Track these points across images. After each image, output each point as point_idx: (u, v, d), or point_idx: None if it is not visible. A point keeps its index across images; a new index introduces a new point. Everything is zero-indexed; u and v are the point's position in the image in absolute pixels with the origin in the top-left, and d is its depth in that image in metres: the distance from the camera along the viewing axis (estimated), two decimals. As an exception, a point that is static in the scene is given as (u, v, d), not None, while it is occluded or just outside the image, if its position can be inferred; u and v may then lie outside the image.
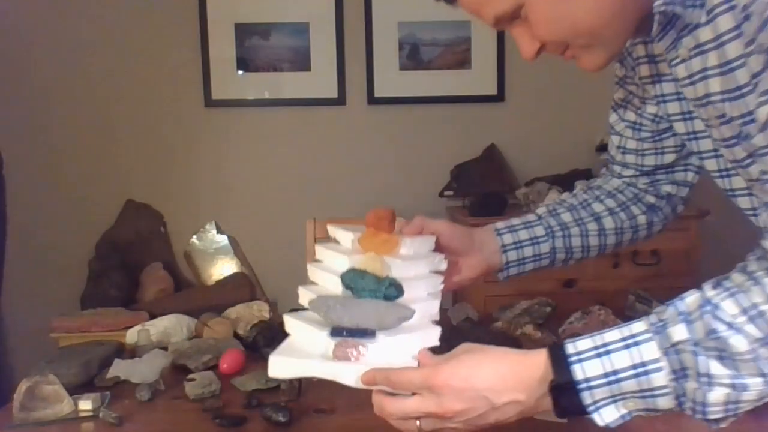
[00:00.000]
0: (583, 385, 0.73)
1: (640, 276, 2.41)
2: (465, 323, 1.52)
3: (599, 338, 0.75)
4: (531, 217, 1.19)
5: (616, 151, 1.19)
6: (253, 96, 2.78)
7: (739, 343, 0.70)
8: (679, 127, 1.01)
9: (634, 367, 0.73)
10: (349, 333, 0.82)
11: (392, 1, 2.76)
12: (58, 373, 1.25)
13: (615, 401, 0.75)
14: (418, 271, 0.96)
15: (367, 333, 0.82)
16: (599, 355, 0.73)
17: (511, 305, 1.66)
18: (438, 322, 0.92)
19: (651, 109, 1.09)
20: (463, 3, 0.87)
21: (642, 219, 1.20)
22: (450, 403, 0.76)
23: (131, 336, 1.54)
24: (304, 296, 0.91)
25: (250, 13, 2.74)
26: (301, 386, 1.21)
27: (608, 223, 1.19)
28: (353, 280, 0.88)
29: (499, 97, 2.81)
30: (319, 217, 2.29)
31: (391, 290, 0.87)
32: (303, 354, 0.82)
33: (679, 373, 0.73)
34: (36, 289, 2.75)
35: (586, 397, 0.74)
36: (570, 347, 0.76)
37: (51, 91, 2.72)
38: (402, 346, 0.83)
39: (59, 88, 2.72)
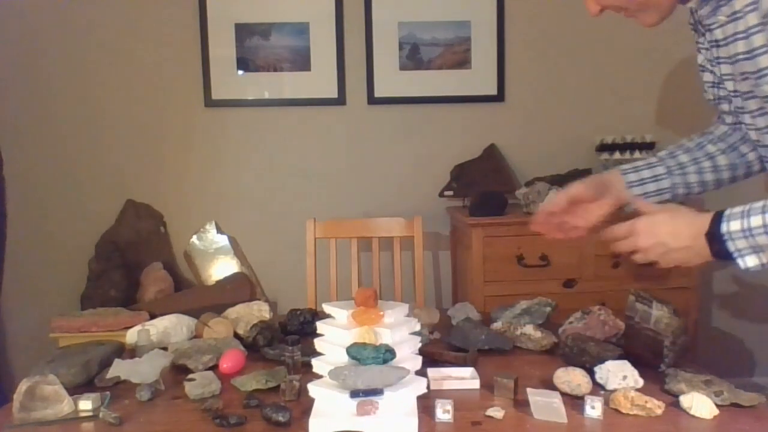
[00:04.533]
0: (726, 237, 1.06)
1: (640, 276, 2.41)
2: (465, 323, 1.51)
3: (749, 206, 1.06)
4: (652, 159, 1.39)
5: (713, 104, 1.38)
6: (253, 96, 2.78)
7: None
8: (729, 85, 1.23)
9: (765, 226, 1.03)
10: (364, 393, 1.10)
11: (392, 1, 2.76)
12: (58, 373, 1.25)
13: (755, 252, 1.05)
14: (401, 336, 1.26)
15: (377, 391, 1.11)
16: (742, 217, 1.05)
17: (511, 305, 1.66)
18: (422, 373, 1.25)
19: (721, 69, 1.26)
20: None
21: (752, 155, 1.36)
22: (641, 242, 1.14)
23: (131, 336, 1.54)
24: (318, 367, 1.24)
25: (250, 13, 2.74)
26: (301, 386, 1.21)
27: (722, 160, 1.37)
28: (357, 352, 1.16)
29: (499, 97, 2.81)
30: (319, 217, 2.29)
31: (388, 355, 1.16)
32: (333, 414, 1.10)
33: None
34: (36, 289, 2.75)
35: (730, 246, 1.06)
36: (727, 210, 1.08)
37: (51, 91, 2.72)
38: (403, 398, 1.13)
39: (59, 88, 2.72)
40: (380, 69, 2.78)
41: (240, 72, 2.75)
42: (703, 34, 1.25)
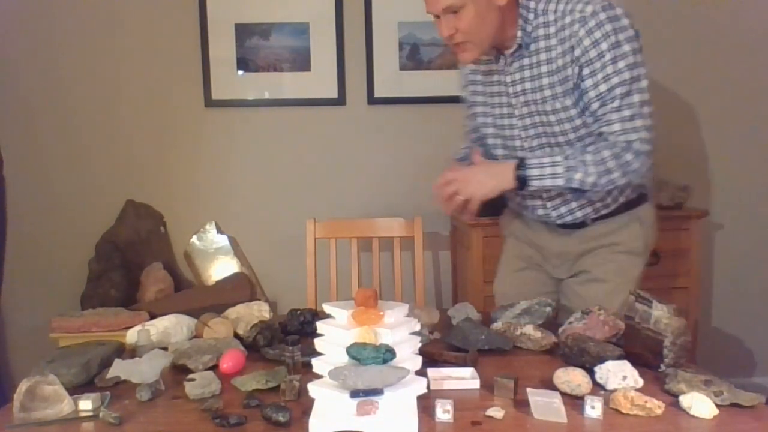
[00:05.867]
0: (525, 168, 1.55)
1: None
2: (465, 323, 1.51)
3: (545, 157, 1.56)
4: (557, 157, 1.58)
5: None
6: (253, 96, 2.78)
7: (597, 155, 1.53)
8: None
9: (551, 165, 1.54)
10: (364, 393, 1.11)
11: (392, 1, 2.76)
12: (58, 373, 1.25)
13: (540, 179, 1.54)
14: (401, 336, 1.27)
15: (377, 391, 1.11)
16: (539, 159, 1.55)
17: (511, 305, 1.66)
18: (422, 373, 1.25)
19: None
20: None
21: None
22: (451, 174, 1.60)
23: (131, 336, 1.54)
24: (318, 367, 1.24)
25: (250, 13, 2.74)
26: (301, 386, 1.21)
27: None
28: (358, 352, 1.16)
29: (499, 97, 2.81)
30: (319, 217, 2.29)
31: (388, 355, 1.16)
32: (333, 414, 1.09)
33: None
34: (36, 289, 2.75)
35: (527, 172, 1.54)
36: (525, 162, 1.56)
37: (51, 92, 2.72)
38: (403, 398, 1.13)
39: (59, 88, 2.72)
40: (380, 69, 2.78)
41: (240, 72, 2.75)
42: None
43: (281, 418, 1.09)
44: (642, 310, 1.35)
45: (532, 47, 1.58)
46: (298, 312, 1.70)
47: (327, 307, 1.33)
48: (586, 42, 1.51)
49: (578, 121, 1.58)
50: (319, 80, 2.77)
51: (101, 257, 2.65)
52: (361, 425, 1.06)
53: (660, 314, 1.31)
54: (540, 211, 1.72)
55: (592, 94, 1.53)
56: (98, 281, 2.61)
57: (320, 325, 1.30)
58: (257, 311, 1.71)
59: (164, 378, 1.31)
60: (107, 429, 1.12)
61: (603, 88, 1.51)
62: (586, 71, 1.52)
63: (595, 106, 1.53)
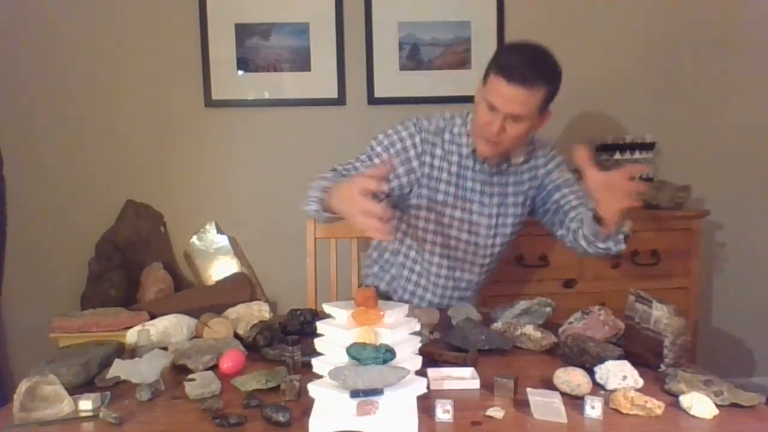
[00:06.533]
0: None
1: (640, 276, 2.41)
2: (465, 323, 1.51)
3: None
4: None
5: None
6: (253, 96, 2.78)
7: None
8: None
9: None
10: (364, 393, 1.10)
11: (392, 1, 2.76)
12: (58, 373, 1.25)
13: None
14: (401, 336, 1.27)
15: (377, 392, 1.11)
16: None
17: (511, 305, 1.66)
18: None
19: None
20: (510, 93, 1.61)
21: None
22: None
23: (131, 336, 1.54)
24: (318, 367, 1.24)
25: (250, 13, 2.74)
26: (301, 386, 1.21)
27: None
28: (358, 352, 1.16)
29: (499, 97, 2.81)
30: (319, 217, 2.28)
31: (388, 355, 1.16)
32: (333, 414, 1.09)
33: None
34: (36, 289, 2.75)
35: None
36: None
37: (51, 92, 2.72)
38: (403, 398, 1.13)
39: (59, 88, 2.72)
40: (380, 69, 2.78)
41: (240, 72, 2.75)
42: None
43: (281, 418, 1.09)
44: (642, 310, 1.35)
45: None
46: (298, 312, 1.70)
47: (327, 307, 1.33)
48: None
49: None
50: (319, 80, 2.77)
51: (101, 257, 2.65)
52: (361, 425, 1.06)
53: (660, 314, 1.31)
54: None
55: None
56: (98, 281, 2.61)
57: (320, 325, 1.30)
58: (257, 311, 1.70)
59: (164, 378, 1.31)
60: (107, 429, 1.12)
61: None
62: None
63: None
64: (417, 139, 1.78)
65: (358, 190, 1.32)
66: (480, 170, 1.80)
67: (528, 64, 1.61)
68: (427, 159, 1.78)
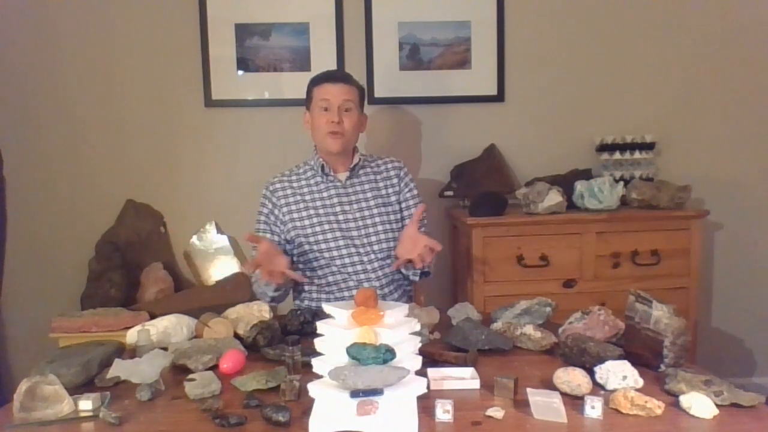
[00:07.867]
0: None
1: (640, 276, 2.41)
2: (465, 323, 1.51)
3: None
4: None
5: None
6: (253, 96, 2.78)
7: None
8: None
9: None
10: (364, 393, 1.12)
11: (392, 1, 2.76)
12: (58, 373, 1.25)
13: None
14: (401, 336, 1.27)
15: (377, 391, 1.12)
16: None
17: (511, 305, 1.66)
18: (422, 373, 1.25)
19: None
20: (335, 88, 2.04)
21: None
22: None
23: (131, 336, 1.54)
24: (318, 367, 1.24)
25: (250, 13, 2.74)
26: (301, 386, 1.21)
27: None
28: (358, 352, 1.17)
29: (499, 97, 2.81)
30: (319, 217, 2.28)
31: (388, 355, 1.17)
32: (333, 414, 1.09)
33: None
34: (36, 289, 2.75)
35: None
36: None
37: (51, 92, 2.72)
38: (403, 398, 1.13)
39: (59, 88, 2.72)
40: (380, 69, 2.78)
41: (240, 72, 2.75)
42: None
43: (281, 418, 1.09)
44: (642, 310, 1.35)
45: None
46: (298, 312, 1.70)
47: (327, 307, 1.34)
48: None
49: None
50: (319, 80, 2.77)
51: (101, 257, 2.65)
52: (361, 425, 1.06)
53: (660, 314, 1.31)
54: None
55: None
56: (98, 281, 2.61)
57: (320, 325, 1.30)
58: (257, 311, 1.71)
59: (164, 378, 1.31)
60: (107, 429, 1.12)
61: None
62: None
63: None
64: (273, 199, 2.07)
65: (260, 269, 1.76)
66: (333, 184, 2.05)
67: (337, 71, 2.21)
68: (284, 203, 2.05)
